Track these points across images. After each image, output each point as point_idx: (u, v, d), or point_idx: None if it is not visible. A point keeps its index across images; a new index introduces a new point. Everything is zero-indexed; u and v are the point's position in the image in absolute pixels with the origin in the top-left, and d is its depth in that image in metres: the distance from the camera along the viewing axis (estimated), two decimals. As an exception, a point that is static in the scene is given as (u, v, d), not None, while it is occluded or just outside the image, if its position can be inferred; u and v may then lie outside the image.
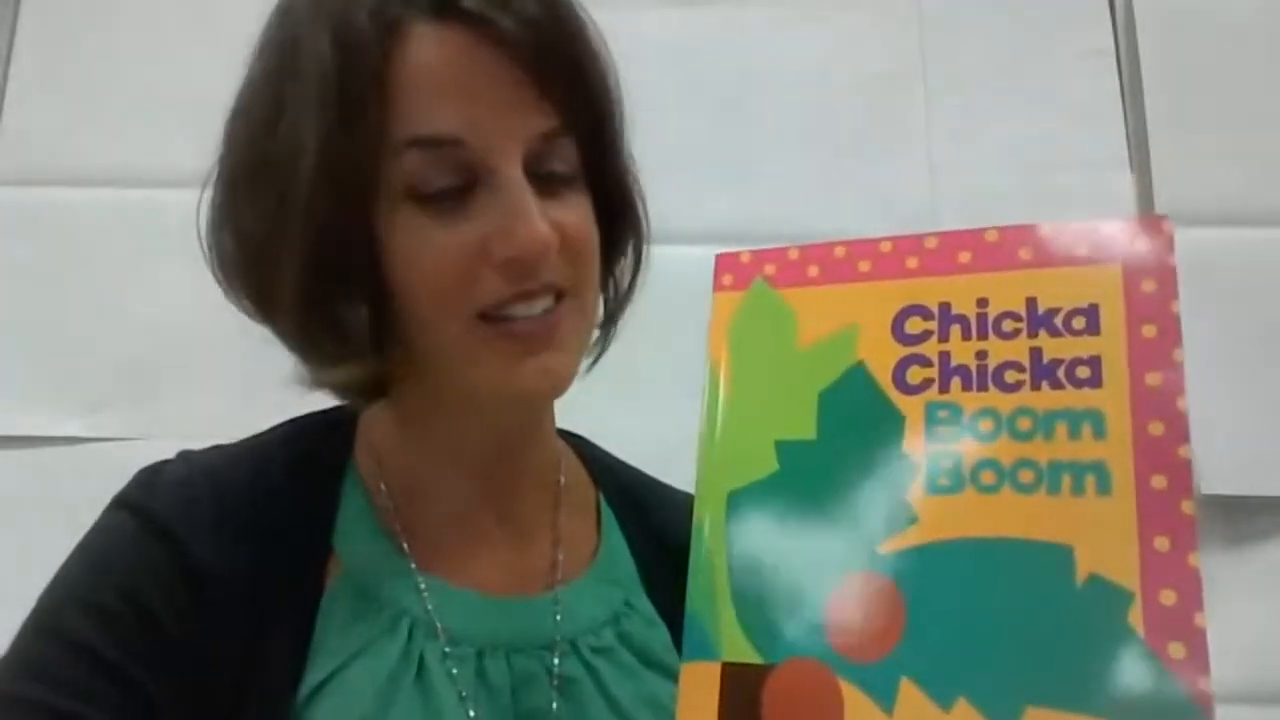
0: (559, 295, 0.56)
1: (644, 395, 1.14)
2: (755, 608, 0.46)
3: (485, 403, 0.59)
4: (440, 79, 0.52)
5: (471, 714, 0.56)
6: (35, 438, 1.36)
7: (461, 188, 0.53)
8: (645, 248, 0.65)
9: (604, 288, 0.64)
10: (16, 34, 1.49)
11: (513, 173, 0.53)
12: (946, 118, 1.43)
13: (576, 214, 0.56)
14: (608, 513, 0.68)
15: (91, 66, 1.48)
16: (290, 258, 0.54)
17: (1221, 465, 1.27)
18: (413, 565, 0.59)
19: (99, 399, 1.37)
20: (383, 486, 0.62)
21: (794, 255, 0.51)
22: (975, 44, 1.45)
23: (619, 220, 0.62)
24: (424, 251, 0.53)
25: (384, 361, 0.56)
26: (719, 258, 0.53)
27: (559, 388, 0.57)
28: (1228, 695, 1.40)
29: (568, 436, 0.71)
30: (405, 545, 0.60)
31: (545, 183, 0.55)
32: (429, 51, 0.52)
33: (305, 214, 0.53)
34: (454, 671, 0.57)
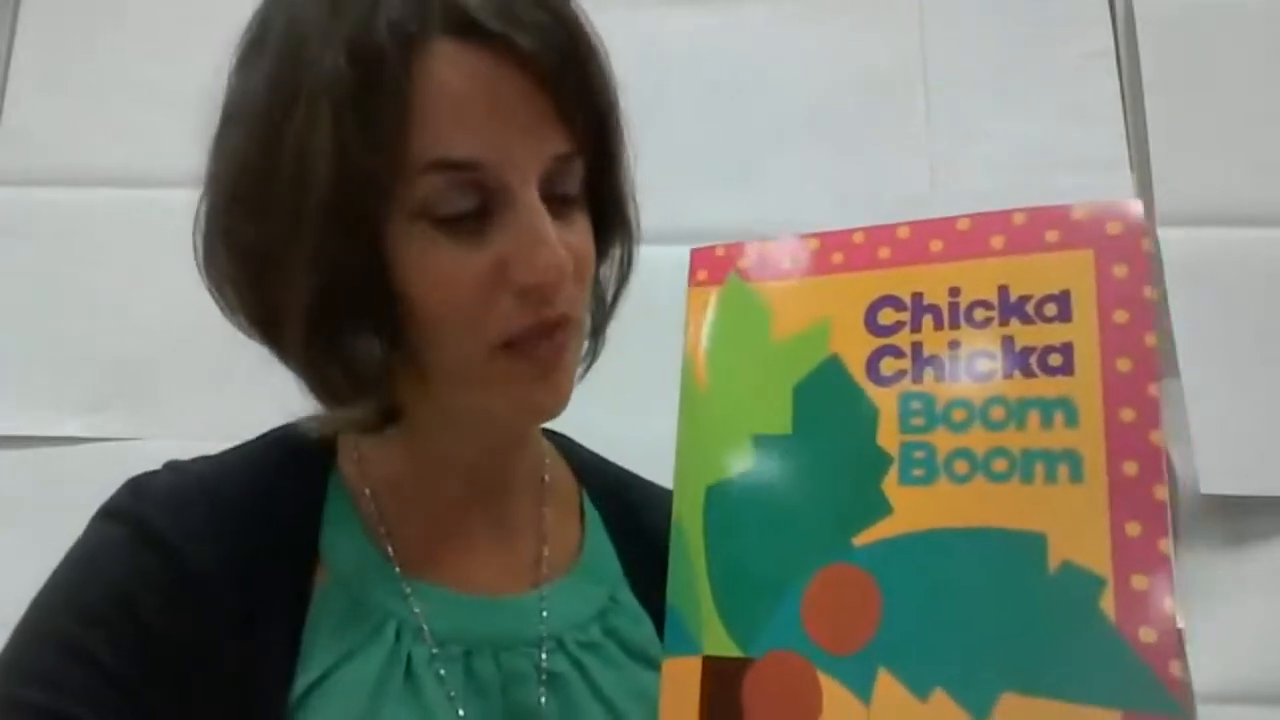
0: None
1: (645, 395, 1.14)
2: (735, 601, 0.47)
3: (492, 423, 0.59)
4: (463, 101, 0.51)
5: (461, 713, 0.56)
6: (35, 438, 1.36)
7: (478, 209, 0.53)
8: (635, 257, 0.64)
9: (590, 296, 0.63)
10: (16, 34, 1.50)
11: (530, 197, 0.53)
12: (946, 118, 1.43)
13: (581, 237, 0.57)
14: (591, 510, 0.69)
15: (91, 66, 1.48)
16: (301, 281, 0.52)
17: (1221, 465, 1.27)
18: (397, 569, 0.60)
19: (99, 399, 1.37)
20: (366, 490, 0.62)
21: (768, 249, 0.51)
22: (975, 44, 1.45)
23: (610, 230, 0.62)
24: (441, 273, 0.52)
25: (393, 394, 0.55)
26: (694, 252, 0.53)
27: (564, 407, 0.58)
28: (1228, 695, 1.40)
29: (550, 435, 0.72)
30: (390, 548, 0.60)
31: (556, 204, 0.54)
32: (451, 71, 0.51)
33: (318, 235, 0.51)
34: (442, 672, 0.57)
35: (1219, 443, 1.27)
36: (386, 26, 0.50)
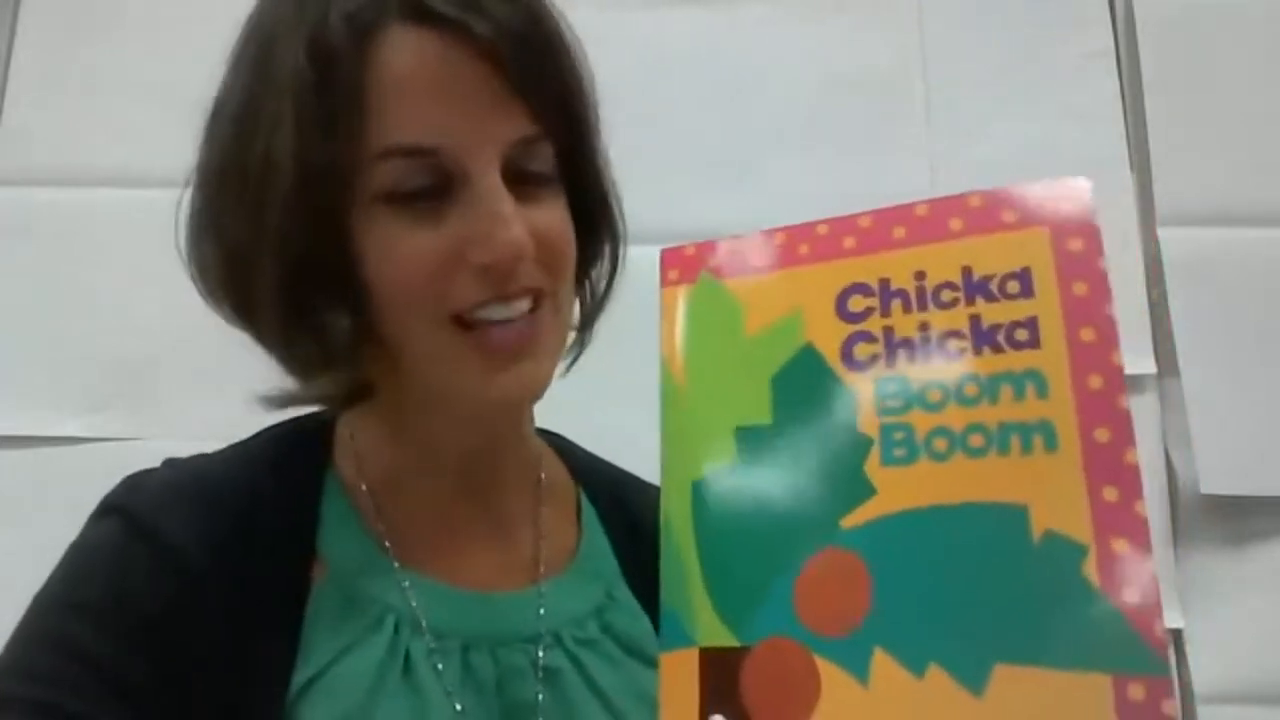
0: (537, 298, 0.56)
1: (647, 394, 1.14)
2: (728, 592, 0.47)
3: (463, 408, 0.59)
4: (417, 86, 0.53)
5: (458, 707, 0.56)
6: (35, 438, 1.36)
7: (438, 191, 0.54)
8: (622, 250, 0.65)
9: (580, 291, 0.64)
10: (16, 34, 1.50)
11: (490, 179, 0.53)
12: (946, 118, 1.43)
13: (553, 215, 0.57)
14: (588, 509, 0.69)
15: (92, 66, 1.48)
16: (269, 266, 0.54)
17: (1221, 465, 1.27)
18: (395, 564, 0.60)
19: (99, 399, 1.37)
20: (363, 487, 0.62)
21: (736, 245, 0.52)
22: (975, 44, 1.45)
23: (596, 224, 0.63)
24: (398, 252, 0.54)
25: (363, 369, 0.56)
26: (664, 253, 0.54)
27: (535, 395, 0.58)
28: (1228, 695, 1.39)
29: (547, 435, 0.72)
30: (387, 544, 0.61)
31: (523, 184, 0.55)
32: (405, 56, 0.53)
33: (282, 224, 0.53)
34: (439, 666, 0.57)
35: (1219, 443, 1.27)
36: (342, 19, 0.52)
